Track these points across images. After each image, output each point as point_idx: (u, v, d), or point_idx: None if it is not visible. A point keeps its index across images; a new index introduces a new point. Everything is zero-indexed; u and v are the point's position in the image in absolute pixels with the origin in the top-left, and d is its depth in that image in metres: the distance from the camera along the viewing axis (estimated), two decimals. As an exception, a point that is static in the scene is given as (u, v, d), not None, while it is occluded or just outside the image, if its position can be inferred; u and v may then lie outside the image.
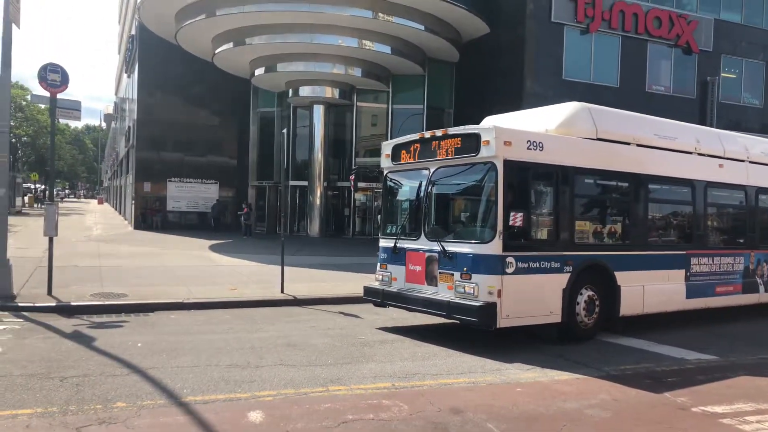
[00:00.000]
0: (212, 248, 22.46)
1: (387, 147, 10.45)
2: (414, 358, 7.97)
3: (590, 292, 9.34)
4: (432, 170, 9.39)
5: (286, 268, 13.00)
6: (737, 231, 12.23)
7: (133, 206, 33.64)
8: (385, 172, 10.59)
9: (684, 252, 10.86)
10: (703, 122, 26.29)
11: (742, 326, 11.33)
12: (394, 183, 10.54)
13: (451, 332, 9.66)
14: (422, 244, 9.34)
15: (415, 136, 9.91)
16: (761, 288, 12.11)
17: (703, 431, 5.59)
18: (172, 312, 10.84)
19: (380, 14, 24.40)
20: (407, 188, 10.25)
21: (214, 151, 33.87)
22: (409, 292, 9.44)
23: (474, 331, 9.09)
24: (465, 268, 8.54)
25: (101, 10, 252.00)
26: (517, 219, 8.27)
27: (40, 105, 46.93)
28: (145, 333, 9.07)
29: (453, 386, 6.73)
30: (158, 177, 32.53)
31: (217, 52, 27.24)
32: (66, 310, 10.36)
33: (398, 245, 9.80)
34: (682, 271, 10.77)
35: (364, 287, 10.45)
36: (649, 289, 10.10)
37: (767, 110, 30.51)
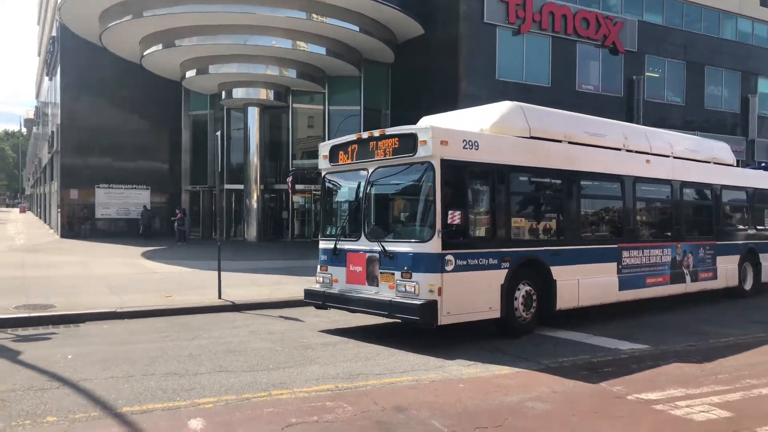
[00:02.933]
0: (145, 255, 21.81)
1: (324, 148, 10.43)
2: (357, 358, 7.98)
3: (528, 288, 9.56)
4: (370, 171, 9.43)
5: (223, 273, 12.77)
6: (664, 224, 12.74)
7: (59, 214, 32.28)
8: (323, 174, 10.57)
9: (615, 246, 11.21)
10: (630, 119, 27.40)
11: (670, 316, 11.83)
12: (333, 184, 10.53)
13: (394, 332, 9.72)
14: (362, 244, 9.37)
15: (353, 137, 9.92)
16: (687, 278, 12.64)
17: (637, 418, 5.82)
18: (105, 322, 10.47)
19: (314, 15, 24.33)
20: (346, 189, 10.28)
21: (145, 156, 32.89)
22: (350, 293, 9.45)
23: (416, 330, 9.18)
24: (405, 267, 8.61)
25: (19, 10, 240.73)
26: (455, 217, 8.41)
27: (-46, 109, 44.45)
28: (76, 344, 8.72)
29: (396, 385, 6.78)
30: (85, 183, 31.34)
31: (145, 54, 26.51)
32: (-12, 325, 9.84)
33: (338, 246, 9.78)
34: (614, 264, 11.11)
35: (305, 290, 10.38)
36: (584, 283, 10.40)
37: (689, 108, 32.09)
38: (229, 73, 27.05)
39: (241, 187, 29.42)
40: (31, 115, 74.20)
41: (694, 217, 13.64)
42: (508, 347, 8.72)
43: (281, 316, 11.15)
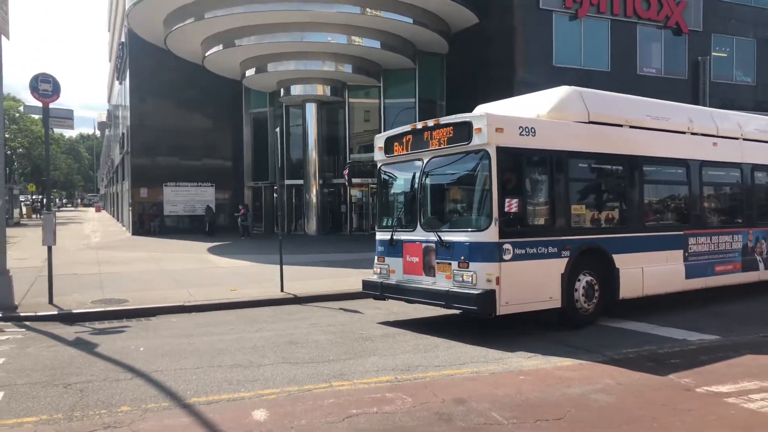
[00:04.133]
0: (211, 250, 22.42)
1: (380, 140, 10.41)
2: (416, 350, 7.97)
3: (589, 277, 9.30)
4: (425, 161, 9.37)
5: (285, 266, 12.98)
6: (734, 209, 12.20)
7: (130, 212, 33.58)
8: (378, 165, 10.58)
9: (681, 232, 10.82)
10: (696, 102, 26.29)
11: (740, 305, 11.33)
12: (389, 176, 10.51)
13: (453, 323, 9.66)
14: (419, 234, 9.30)
15: (407, 128, 9.86)
16: (761, 265, 12.07)
17: (708, 411, 5.59)
18: (173, 315, 10.83)
19: (368, 9, 24.35)
20: (401, 180, 10.22)
21: (209, 154, 33.83)
22: (407, 283, 9.42)
23: (476, 322, 9.10)
24: (462, 257, 8.50)
25: (91, 19, 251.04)
26: (512, 205, 8.25)
27: (34, 116, 46.79)
28: (147, 337, 9.06)
29: (456, 377, 6.73)
30: (154, 182, 32.47)
31: (207, 55, 27.17)
32: (68, 318, 10.35)
33: (395, 237, 9.75)
34: (681, 252, 10.73)
35: (363, 281, 10.40)
36: (648, 271, 10.06)
37: (760, 88, 30.52)
38: (287, 71, 27.41)
39: (301, 182, 29.82)
40: (104, 118, 77.33)
41: None
42: (570, 338, 8.53)
43: (341, 308, 11.25)
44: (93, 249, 23.97)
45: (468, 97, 25.13)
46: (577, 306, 9.15)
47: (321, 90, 28.52)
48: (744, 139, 12.16)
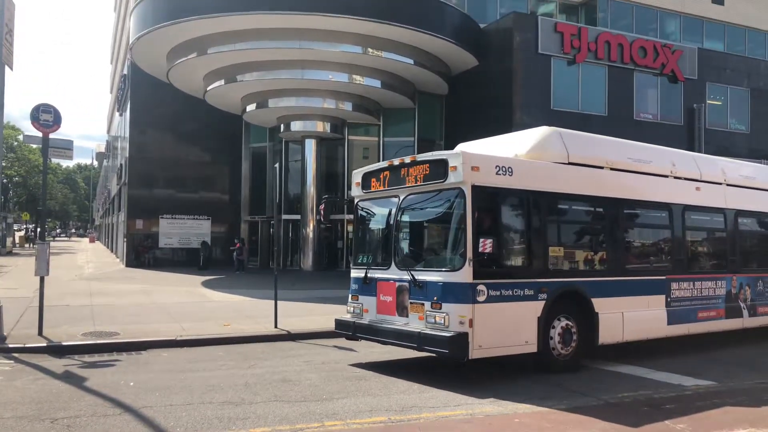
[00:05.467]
0: (205, 284, 22.31)
1: (357, 175, 10.29)
2: (410, 390, 7.90)
3: (566, 321, 9.10)
4: (402, 197, 9.27)
5: (280, 302, 12.91)
6: (718, 255, 12.07)
7: (125, 244, 33.47)
8: (356, 201, 10.40)
9: (664, 277, 10.67)
10: (691, 148, 26.56)
11: (735, 351, 11.29)
12: (365, 211, 10.34)
13: (448, 365, 9.59)
14: (393, 273, 9.13)
15: (385, 164, 9.77)
16: (745, 312, 11.90)
17: (703, 458, 5.53)
18: (165, 350, 10.72)
19: (370, 49, 24.74)
20: (378, 216, 10.10)
21: (206, 187, 33.90)
22: (380, 323, 9.18)
23: (471, 363, 9.02)
24: (435, 298, 8.32)
25: (94, 50, 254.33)
26: (486, 246, 8.12)
27: (32, 145, 47.00)
28: (138, 372, 8.96)
29: (450, 419, 6.66)
30: (150, 214, 32.42)
31: (208, 89, 27.49)
32: (57, 351, 10.23)
33: (369, 275, 9.56)
34: (663, 297, 10.56)
35: (336, 320, 10.14)
36: (628, 316, 9.88)
37: (753, 136, 30.89)
38: (288, 107, 27.68)
39: (298, 217, 29.87)
40: (103, 149, 77.75)
41: (752, 247, 12.85)
42: (564, 381, 8.47)
43: (335, 346, 11.16)
44: (86, 280, 23.83)
45: (466, 138, 25.25)
46: (553, 351, 8.94)
47: (321, 126, 28.76)
48: (728, 185, 12.11)
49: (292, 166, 31.16)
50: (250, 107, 28.30)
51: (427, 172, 8.79)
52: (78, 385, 7.99)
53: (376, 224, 10.22)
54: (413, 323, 8.63)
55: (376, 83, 26.68)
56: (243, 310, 15.42)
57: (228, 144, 33.75)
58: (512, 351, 8.54)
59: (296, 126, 28.78)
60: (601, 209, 10.06)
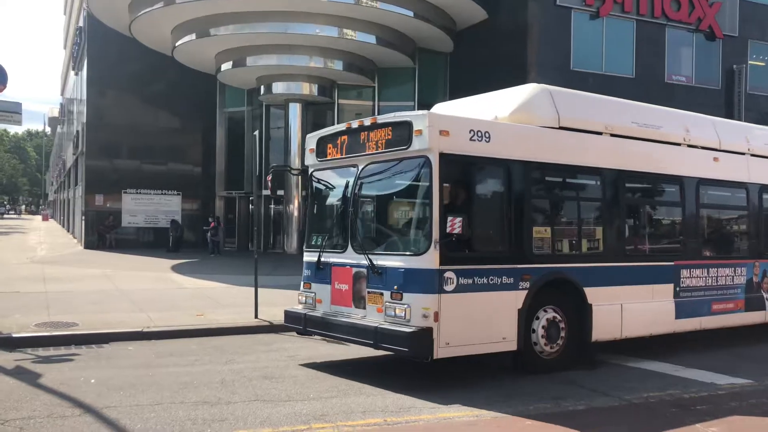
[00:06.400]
0: (175, 269, 22.35)
1: (311, 140, 9.91)
2: (409, 388, 7.95)
3: (552, 314, 8.86)
4: (360, 167, 8.87)
5: (261, 289, 12.94)
6: (738, 237, 11.91)
7: (83, 222, 33.43)
8: (310, 171, 10.02)
9: (672, 263, 10.41)
10: (729, 115, 26.56)
11: (765, 348, 11.33)
12: (321, 184, 9.99)
13: (451, 361, 9.65)
14: (349, 257, 8.79)
15: (342, 127, 9.41)
16: None
17: (737, 465, 5.62)
18: (130, 343, 10.76)
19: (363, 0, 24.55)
20: (334, 190, 9.74)
21: (176, 158, 33.78)
22: (335, 316, 8.86)
23: (477, 360, 9.09)
24: (395, 287, 8.02)
25: (43, 0, 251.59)
26: (456, 225, 7.63)
27: (-25, 108, 46.60)
28: (99, 367, 9.00)
29: (453, 420, 6.74)
30: (111, 188, 32.33)
31: (177, 44, 27.25)
32: (7, 343, 10.23)
33: (322, 259, 9.25)
34: (671, 286, 10.30)
35: (285, 312, 9.89)
36: (629, 308, 9.64)
37: (802, 101, 30.90)
38: (269, 66, 27.50)
39: (281, 193, 29.83)
40: (56, 113, 77.16)
41: None
42: (583, 380, 8.56)
43: (324, 339, 11.22)
44: (39, 263, 23.83)
45: (473, 101, 25.28)
46: (536, 348, 8.74)
47: (307, 89, 28.60)
48: (752, 155, 11.78)
49: (274, 134, 31.04)
50: (226, 66, 28.10)
51: (390, 137, 8.40)
52: (31, 383, 8.02)
53: (333, 199, 9.87)
54: (371, 316, 8.34)
55: (371, 39, 26.49)
56: (219, 298, 15.47)
57: (200, 108, 33.55)
58: (487, 349, 8.27)
59: (278, 88, 28.60)
60: (597, 183, 9.76)
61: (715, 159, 11.14)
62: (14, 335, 10.56)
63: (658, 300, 10.14)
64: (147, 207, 32.94)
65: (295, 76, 28.32)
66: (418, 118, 8.07)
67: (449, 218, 7.70)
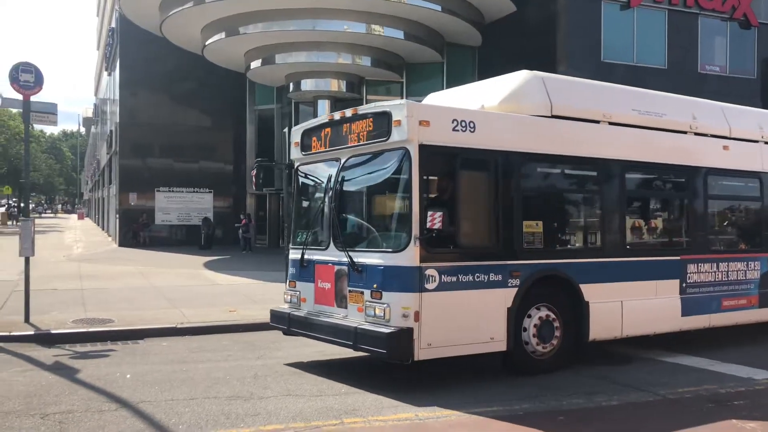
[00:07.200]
0: (207, 265, 22.58)
1: (296, 133, 9.67)
2: (441, 385, 7.95)
3: (547, 312, 8.50)
4: (342, 161, 8.61)
5: (291, 285, 13.00)
6: (750, 229, 11.44)
7: (117, 220, 33.92)
8: (295, 165, 9.79)
9: (678, 257, 9.97)
10: (766, 106, 26.03)
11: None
12: (306, 179, 9.76)
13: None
14: (331, 254, 8.53)
15: (325, 119, 9.15)
16: None
17: (776, 461, 5.53)
18: (164, 339, 10.91)
19: (391, -5, 24.47)
20: (318, 185, 9.50)
21: (208, 156, 34.10)
22: (317, 316, 8.62)
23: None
24: (375, 285, 7.75)
25: (77, 1, 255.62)
26: (436, 220, 7.36)
27: (12, 109, 47.51)
28: (135, 363, 9.14)
29: (487, 414, 6.70)
30: (145, 187, 32.78)
31: (207, 43, 27.46)
32: (46, 339, 10.45)
33: (306, 257, 9.06)
34: (676, 282, 9.86)
35: (271, 311, 9.71)
36: (629, 306, 9.23)
37: (841, 90, 30.15)
38: (297, 63, 27.57)
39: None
40: (90, 114, 78.31)
41: None
42: (616, 375, 8.48)
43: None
44: (75, 261, 24.25)
45: (502, 95, 25.07)
46: (527, 348, 8.36)
47: (335, 85, 28.62)
48: (765, 143, 11.34)
49: (304, 131, 31.04)
50: (255, 64, 28.24)
51: (371, 129, 8.12)
52: (70, 378, 8.18)
53: (316, 194, 9.61)
54: (352, 316, 8.09)
55: (399, 34, 26.39)
56: (250, 294, 15.60)
57: (231, 107, 33.81)
58: (473, 350, 7.96)
59: (307, 85, 28.64)
60: (594, 173, 9.39)
61: (725, 147, 10.65)
62: (53, 331, 10.76)
63: (662, 297, 9.72)
64: (179, 205, 33.32)
65: (323, 73, 28.35)
66: (396, 108, 7.80)
67: (429, 213, 7.43)
